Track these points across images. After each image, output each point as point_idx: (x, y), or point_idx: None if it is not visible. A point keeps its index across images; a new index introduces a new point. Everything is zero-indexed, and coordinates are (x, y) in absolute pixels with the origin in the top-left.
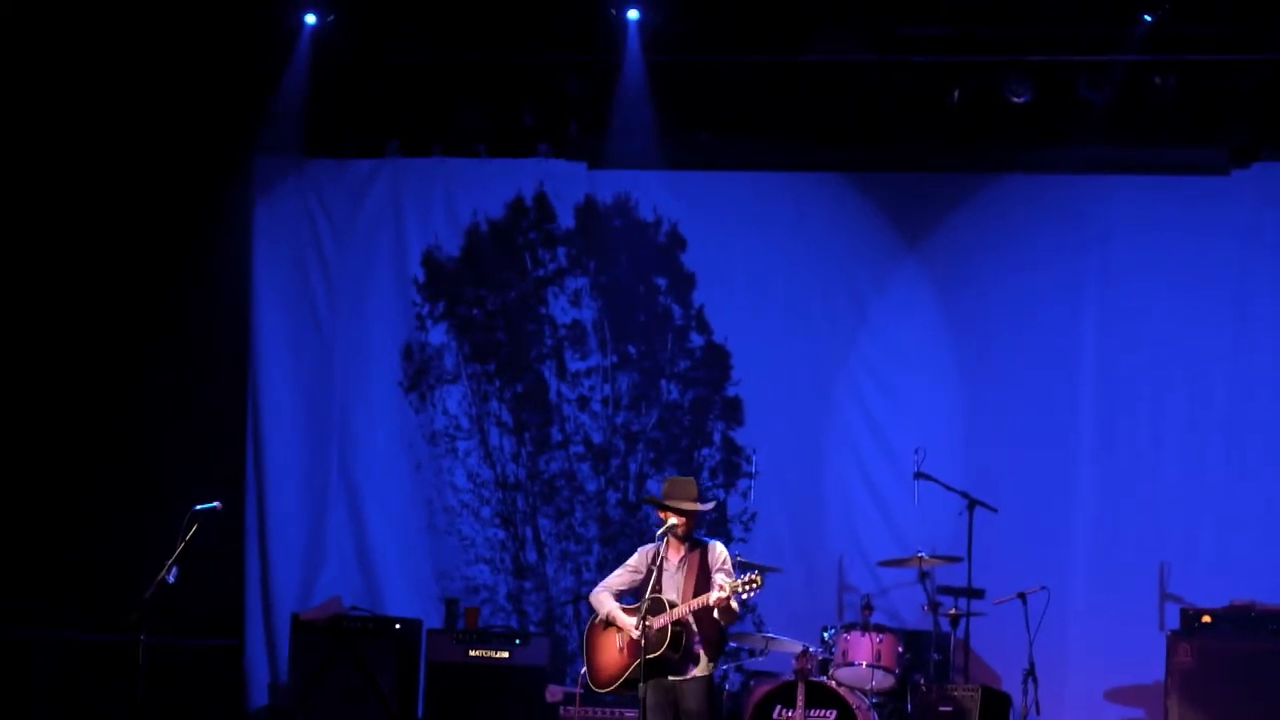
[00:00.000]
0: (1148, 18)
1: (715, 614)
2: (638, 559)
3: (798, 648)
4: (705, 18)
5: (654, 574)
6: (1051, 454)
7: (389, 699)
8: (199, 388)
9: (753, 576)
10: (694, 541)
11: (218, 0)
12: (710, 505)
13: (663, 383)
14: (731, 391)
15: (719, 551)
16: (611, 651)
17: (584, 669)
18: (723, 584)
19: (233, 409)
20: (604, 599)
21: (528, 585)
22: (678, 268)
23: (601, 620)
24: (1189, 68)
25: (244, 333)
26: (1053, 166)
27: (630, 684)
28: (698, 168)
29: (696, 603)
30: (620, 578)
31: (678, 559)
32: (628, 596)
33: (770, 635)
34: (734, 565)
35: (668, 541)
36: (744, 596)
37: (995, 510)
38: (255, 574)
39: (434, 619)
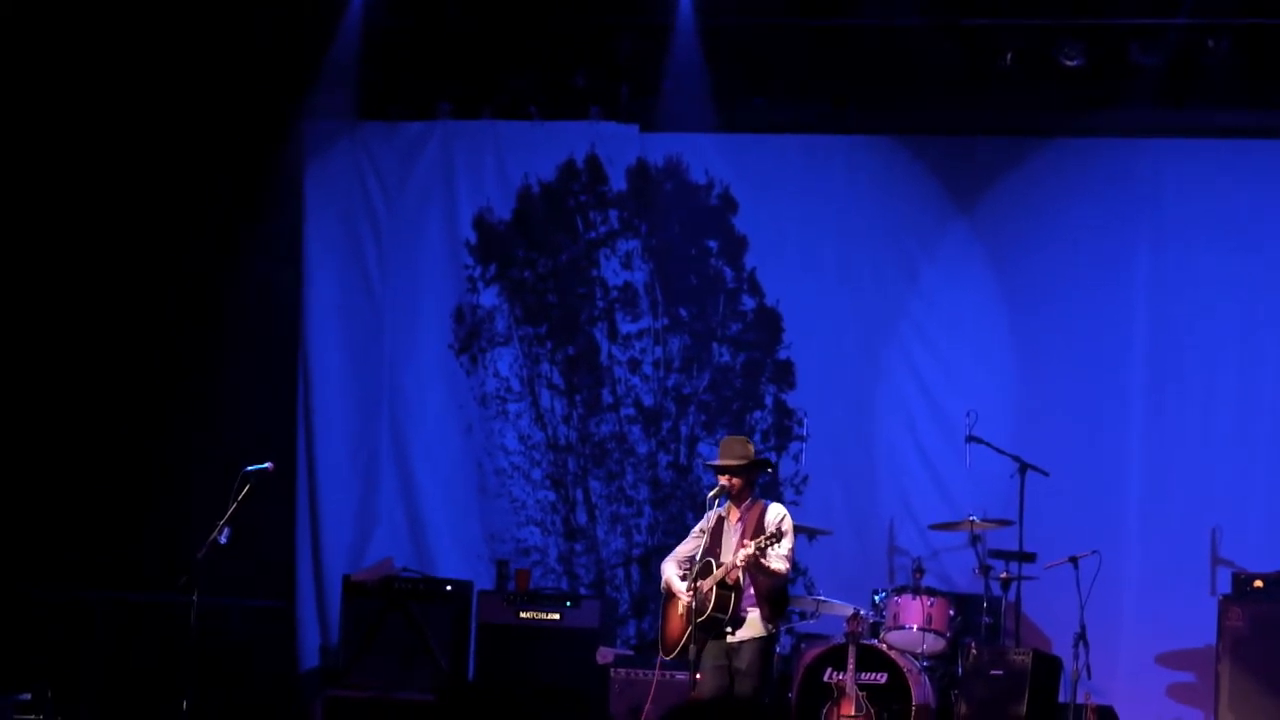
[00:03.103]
0: None
1: (759, 574)
2: (703, 523)
3: (849, 610)
4: None
5: (715, 536)
6: (1103, 417)
7: (440, 660)
8: (250, 349)
9: (772, 532)
10: (752, 501)
11: None
12: (739, 462)
13: (714, 345)
14: (783, 354)
15: (774, 512)
16: (675, 618)
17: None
18: (747, 542)
19: (284, 371)
20: (667, 567)
21: (578, 547)
22: (729, 230)
23: (665, 588)
24: (1242, 31)
25: (295, 295)
26: (1105, 130)
27: (687, 649)
28: (749, 130)
29: (730, 562)
30: (688, 544)
31: (735, 519)
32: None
33: (821, 598)
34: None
35: (729, 503)
36: (769, 550)
37: (1047, 474)
38: (306, 535)
39: (485, 581)
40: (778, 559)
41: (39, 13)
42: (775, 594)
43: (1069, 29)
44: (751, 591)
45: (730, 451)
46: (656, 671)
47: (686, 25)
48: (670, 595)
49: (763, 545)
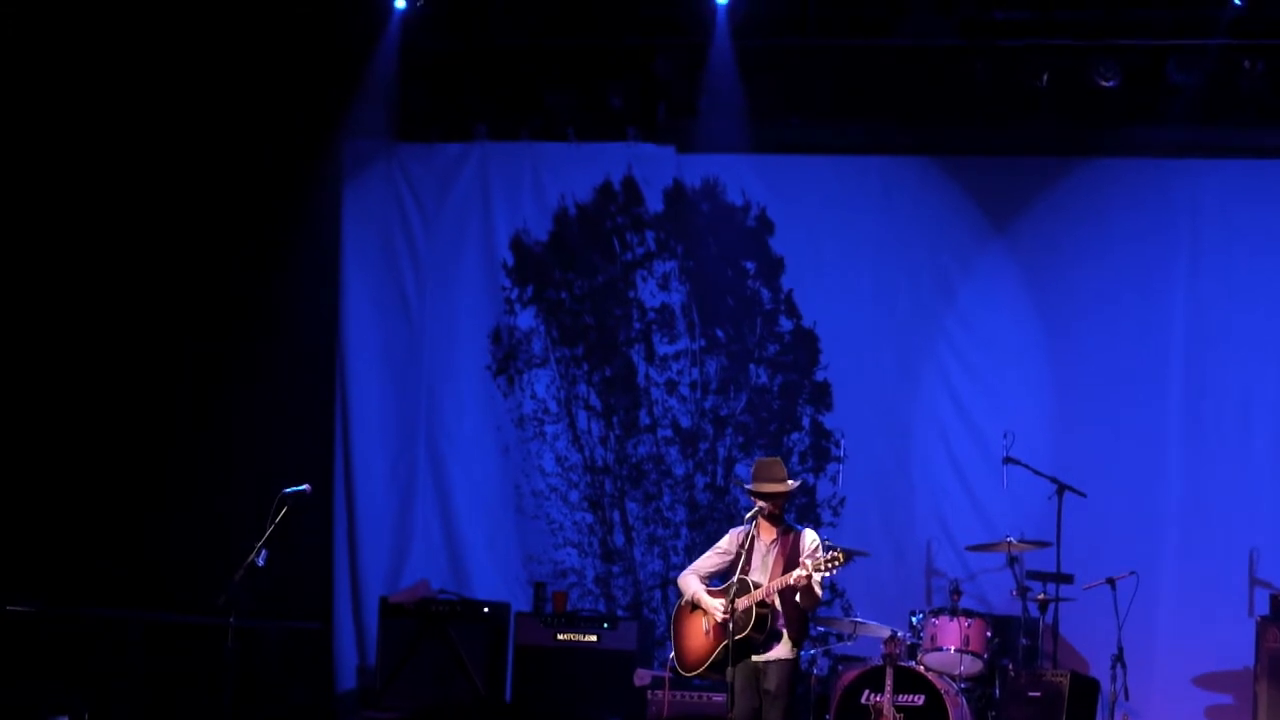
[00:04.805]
0: (1236, 1)
1: (797, 596)
2: (727, 541)
3: (886, 632)
4: (794, 0)
5: (743, 556)
6: (1140, 438)
7: (477, 682)
8: (288, 370)
9: (834, 554)
10: (786, 526)
11: None
12: (793, 485)
13: (751, 367)
14: (820, 376)
15: (810, 538)
16: (698, 634)
17: (672, 653)
18: (804, 563)
19: (321, 391)
20: (690, 581)
21: (615, 569)
22: (766, 251)
23: (688, 603)
24: (1278, 51)
25: (333, 315)
26: (1141, 150)
27: (717, 666)
28: (786, 151)
29: (780, 582)
30: (709, 560)
31: (769, 541)
32: (716, 579)
33: (858, 620)
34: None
35: (758, 523)
36: (826, 575)
37: (1084, 495)
38: (344, 557)
39: (522, 602)
40: (821, 585)
41: (91, 32)
42: (806, 617)
43: (1105, 49)
44: (781, 614)
45: (773, 475)
46: (666, 692)
47: (723, 46)
48: (692, 609)
49: (821, 567)
